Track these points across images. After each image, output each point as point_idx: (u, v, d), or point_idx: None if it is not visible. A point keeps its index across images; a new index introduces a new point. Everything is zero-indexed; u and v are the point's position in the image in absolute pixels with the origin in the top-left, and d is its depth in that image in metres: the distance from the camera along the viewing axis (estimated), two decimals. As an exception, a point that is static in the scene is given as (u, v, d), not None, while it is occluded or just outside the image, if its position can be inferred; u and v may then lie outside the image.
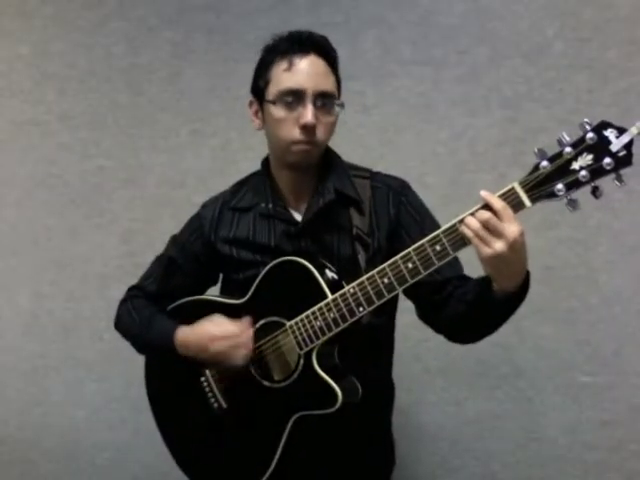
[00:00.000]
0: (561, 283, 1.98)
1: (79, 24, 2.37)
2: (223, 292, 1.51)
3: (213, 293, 1.53)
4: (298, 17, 2.13)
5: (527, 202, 1.07)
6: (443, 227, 1.14)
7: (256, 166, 1.48)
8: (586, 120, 1.02)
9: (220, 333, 1.33)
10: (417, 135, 2.08)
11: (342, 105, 1.33)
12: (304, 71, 1.28)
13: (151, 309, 1.48)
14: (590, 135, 1.01)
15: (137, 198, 2.35)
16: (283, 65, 1.30)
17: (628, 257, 1.93)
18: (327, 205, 1.35)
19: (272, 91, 1.31)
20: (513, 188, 1.07)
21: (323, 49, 1.32)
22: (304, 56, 1.29)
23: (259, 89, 1.35)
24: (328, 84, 1.31)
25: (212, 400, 1.42)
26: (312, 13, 2.14)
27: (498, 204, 1.07)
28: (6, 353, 2.48)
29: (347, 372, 1.31)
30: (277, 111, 1.30)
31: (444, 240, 1.13)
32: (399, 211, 1.37)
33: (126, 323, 1.51)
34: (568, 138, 1.03)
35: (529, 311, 2.01)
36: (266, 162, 1.44)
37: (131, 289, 1.56)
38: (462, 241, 1.11)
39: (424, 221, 1.37)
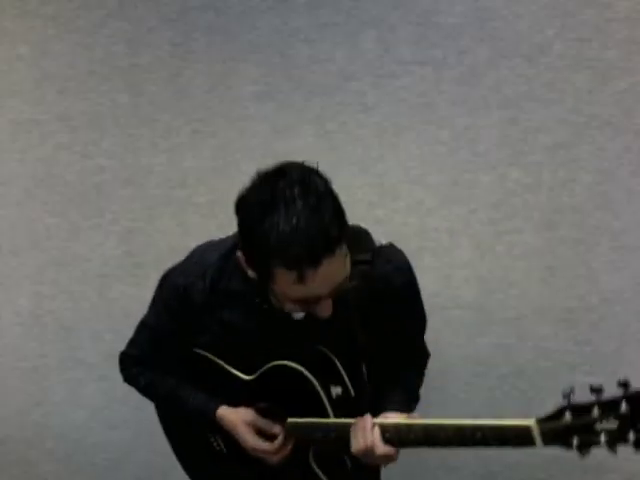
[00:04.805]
0: (561, 283, 1.98)
1: (79, 24, 2.37)
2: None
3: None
4: (298, 17, 2.12)
5: (539, 443, 1.02)
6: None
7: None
8: (626, 380, 0.96)
9: (256, 447, 1.34)
10: (417, 135, 2.08)
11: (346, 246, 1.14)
12: (319, 281, 1.07)
13: (169, 382, 1.46)
14: (624, 406, 0.96)
15: (137, 198, 2.35)
16: (292, 276, 1.06)
17: (628, 257, 1.93)
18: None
19: (278, 291, 1.13)
20: (529, 428, 1.01)
21: (335, 245, 1.08)
22: (318, 266, 1.05)
23: (254, 265, 1.15)
24: (342, 273, 1.13)
25: (212, 440, 1.47)
26: (312, 13, 2.14)
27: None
28: (6, 353, 2.48)
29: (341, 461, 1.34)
30: (286, 304, 1.15)
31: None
32: (390, 306, 1.29)
33: (149, 395, 1.52)
34: (601, 392, 0.98)
35: (529, 311, 2.01)
36: None
37: (125, 360, 1.51)
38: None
39: (404, 322, 1.36)
